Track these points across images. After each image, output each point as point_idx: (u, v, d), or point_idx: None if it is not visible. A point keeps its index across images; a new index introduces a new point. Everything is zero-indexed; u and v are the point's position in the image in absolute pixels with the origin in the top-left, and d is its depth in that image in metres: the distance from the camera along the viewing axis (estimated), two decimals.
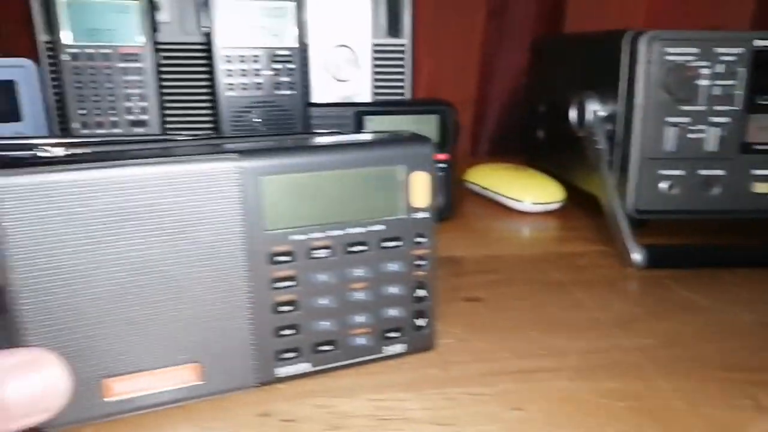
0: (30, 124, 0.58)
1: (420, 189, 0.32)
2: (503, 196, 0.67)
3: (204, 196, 0.28)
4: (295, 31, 0.49)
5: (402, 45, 0.70)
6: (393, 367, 0.34)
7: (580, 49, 0.63)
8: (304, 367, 0.32)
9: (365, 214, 0.32)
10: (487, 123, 0.95)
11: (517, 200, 0.65)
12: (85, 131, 0.50)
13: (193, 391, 0.30)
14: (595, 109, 0.56)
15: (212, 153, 0.28)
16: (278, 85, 0.49)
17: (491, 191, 0.69)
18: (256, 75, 0.49)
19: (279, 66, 0.49)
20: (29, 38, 0.81)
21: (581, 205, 0.65)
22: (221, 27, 0.47)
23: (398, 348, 0.35)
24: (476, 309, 0.42)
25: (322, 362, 0.33)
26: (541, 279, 0.47)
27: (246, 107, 0.49)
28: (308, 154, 0.30)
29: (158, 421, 0.30)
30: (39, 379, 0.26)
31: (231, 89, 0.49)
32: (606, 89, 0.55)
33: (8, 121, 0.57)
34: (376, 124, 0.56)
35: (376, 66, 0.70)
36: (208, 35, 0.48)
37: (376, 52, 0.69)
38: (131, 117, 0.50)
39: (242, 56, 0.48)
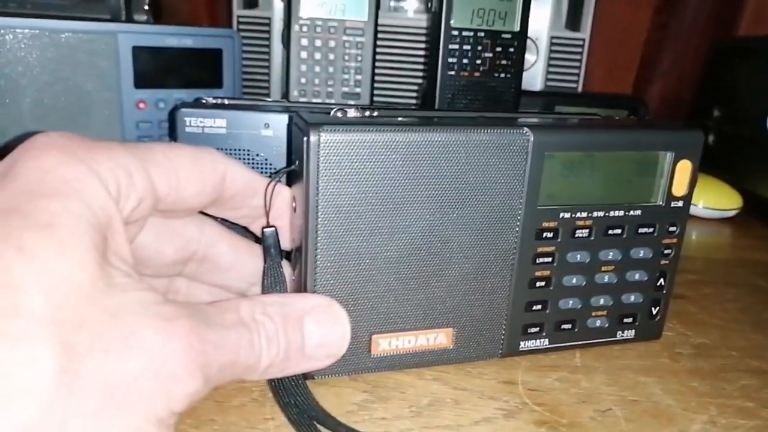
0: (229, 91, 0.61)
1: (682, 178, 0.32)
2: None
3: (494, 167, 0.29)
4: (521, 16, 0.50)
5: (581, 40, 0.69)
6: (620, 351, 0.35)
7: None
8: (542, 342, 0.33)
9: (626, 198, 0.32)
10: None
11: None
12: (303, 100, 0.52)
13: (443, 355, 0.31)
14: None
15: (504, 126, 0.29)
16: (496, 69, 0.50)
17: None
18: (477, 57, 0.50)
19: (500, 49, 0.50)
20: (206, 12, 0.86)
21: (757, 214, 0.63)
22: (455, 6, 0.48)
23: (629, 334, 0.35)
24: (684, 306, 0.42)
25: (558, 340, 0.34)
26: (743, 283, 0.46)
27: (462, 88, 0.50)
28: (592, 133, 0.31)
29: (411, 380, 0.31)
30: (331, 325, 0.27)
31: (451, 69, 0.50)
32: None
33: (212, 87, 0.60)
34: None
35: (551, 58, 0.70)
36: (435, 15, 0.50)
37: (553, 44, 0.69)
38: (346, 89, 0.52)
39: (468, 37, 0.49)
